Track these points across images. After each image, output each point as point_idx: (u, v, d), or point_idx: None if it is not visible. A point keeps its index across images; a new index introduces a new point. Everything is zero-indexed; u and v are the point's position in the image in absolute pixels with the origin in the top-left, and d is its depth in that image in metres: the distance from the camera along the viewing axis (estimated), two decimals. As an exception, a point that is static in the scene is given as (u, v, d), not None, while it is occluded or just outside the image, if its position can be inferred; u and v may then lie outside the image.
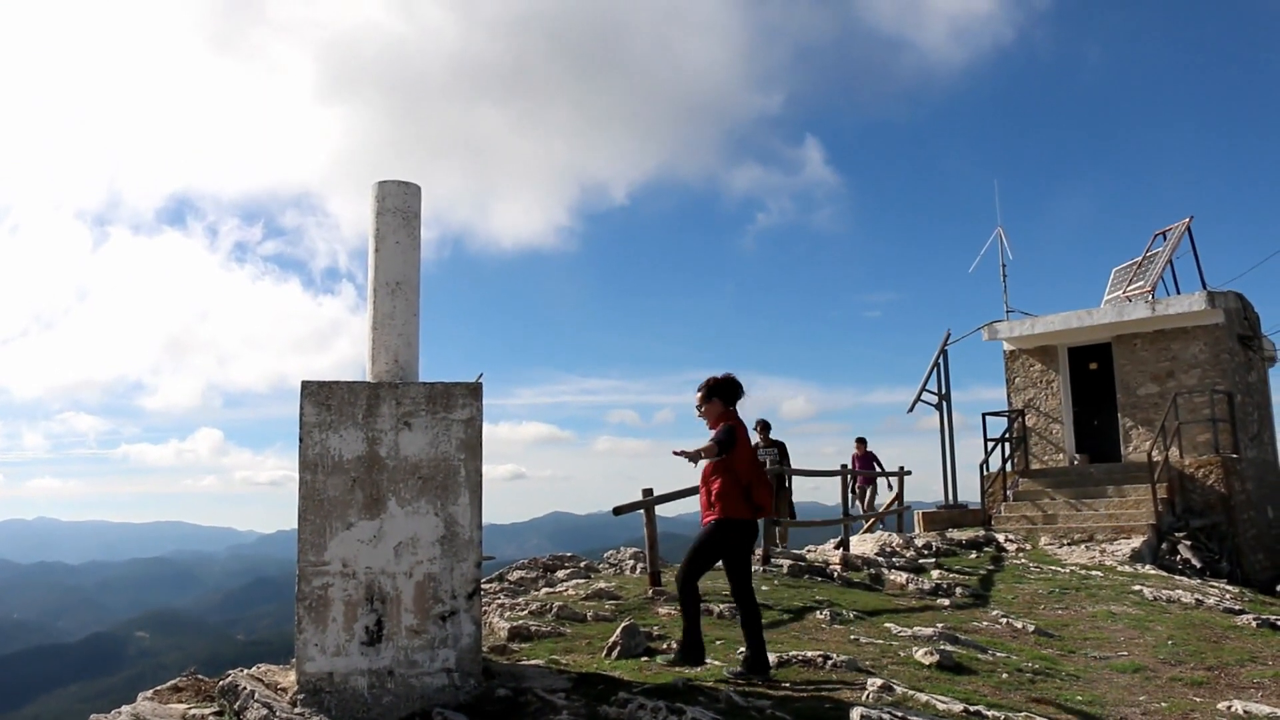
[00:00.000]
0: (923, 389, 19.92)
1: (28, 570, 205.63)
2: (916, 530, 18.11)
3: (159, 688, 6.05)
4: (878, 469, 18.42)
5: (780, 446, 14.92)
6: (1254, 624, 9.95)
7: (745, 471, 6.55)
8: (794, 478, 15.48)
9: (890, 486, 18.40)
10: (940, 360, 20.15)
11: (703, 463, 6.58)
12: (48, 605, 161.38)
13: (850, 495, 18.01)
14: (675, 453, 6.40)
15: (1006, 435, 19.57)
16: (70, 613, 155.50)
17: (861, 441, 18.51)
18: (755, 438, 14.81)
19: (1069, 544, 15.55)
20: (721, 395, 6.75)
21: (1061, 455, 19.66)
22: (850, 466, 17.72)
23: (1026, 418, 20.17)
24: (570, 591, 10.09)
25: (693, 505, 13.47)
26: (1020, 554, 14.92)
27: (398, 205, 6.28)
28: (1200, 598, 11.22)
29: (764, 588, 10.44)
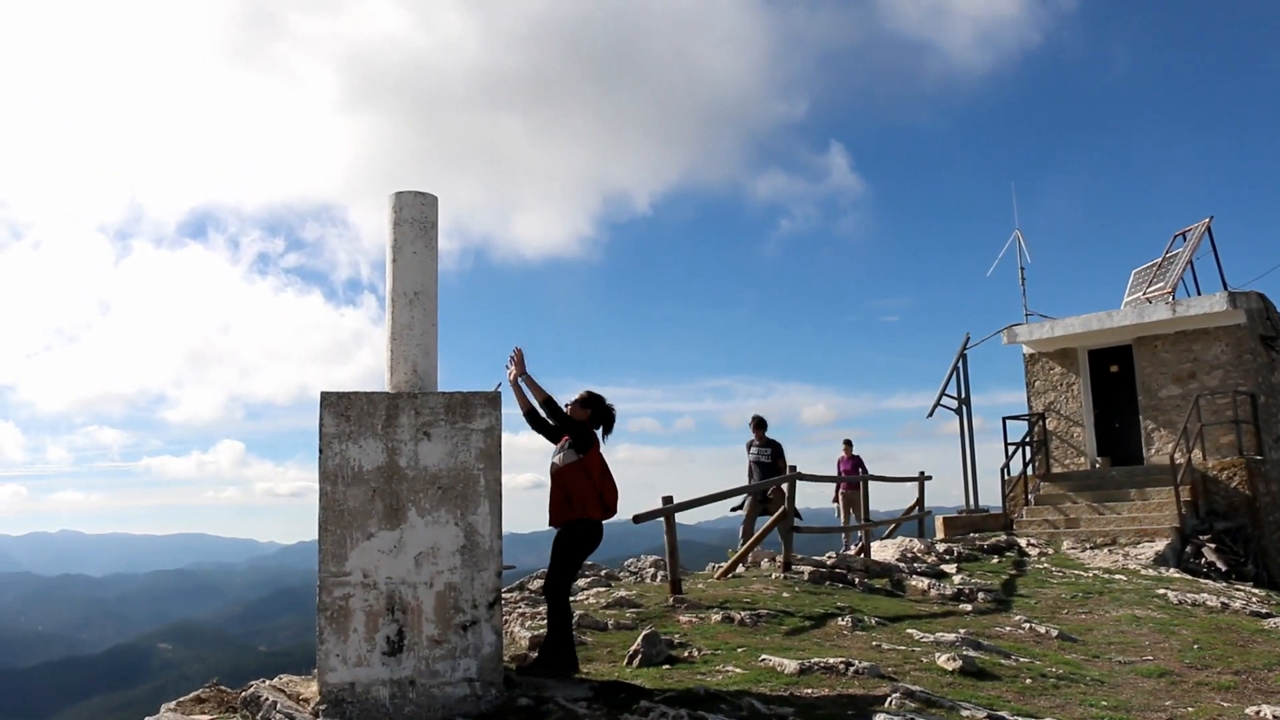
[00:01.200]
0: (942, 393, 19.85)
1: (51, 583, 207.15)
2: (938, 535, 18.01)
3: (182, 699, 6.07)
4: (862, 473, 17.20)
5: (775, 446, 14.14)
6: (1281, 627, 9.86)
7: (597, 476, 6.82)
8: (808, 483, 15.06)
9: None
10: (959, 364, 20.08)
11: (557, 460, 6.79)
12: (71, 617, 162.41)
13: (837, 506, 17.77)
14: (517, 350, 6.69)
15: (1027, 439, 19.47)
16: (93, 625, 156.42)
17: (848, 444, 17.95)
18: (750, 435, 14.20)
19: (1091, 548, 15.44)
20: (594, 410, 7.01)
21: (1083, 459, 19.54)
22: (838, 472, 17.42)
23: (1047, 421, 20.06)
24: (591, 600, 10.09)
25: (712, 513, 13.45)
26: (1042, 558, 14.82)
27: (415, 216, 6.31)
28: (1226, 601, 11.12)
29: (784, 594, 10.41)
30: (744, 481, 13.48)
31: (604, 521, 6.96)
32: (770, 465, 13.78)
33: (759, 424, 14.16)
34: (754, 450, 14.01)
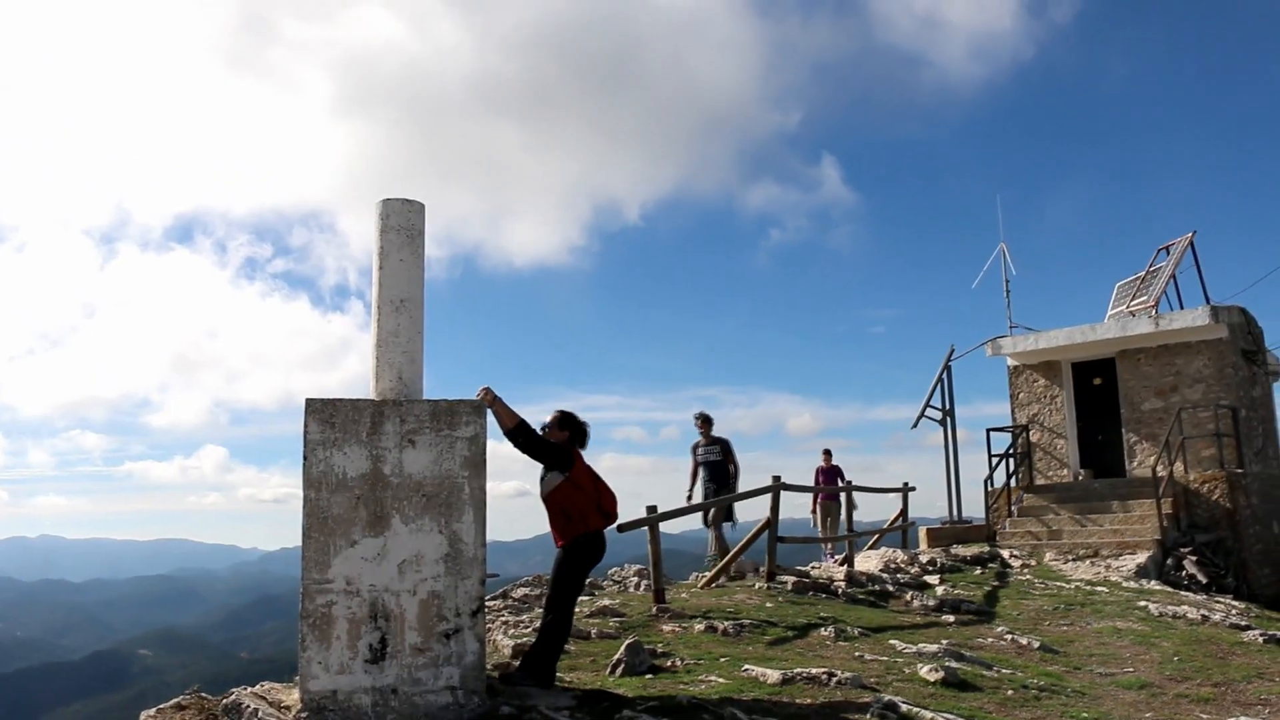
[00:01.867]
0: (926, 405, 19.94)
1: (31, 588, 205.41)
2: (921, 546, 18.06)
3: (162, 706, 6.04)
4: (841, 484, 16.68)
5: (723, 444, 13.55)
6: (1260, 640, 9.92)
7: (590, 486, 6.80)
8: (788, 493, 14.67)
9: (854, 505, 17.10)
10: (944, 376, 20.18)
11: (545, 486, 6.74)
12: (51, 623, 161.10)
13: (813, 516, 17.71)
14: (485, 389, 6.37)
15: (1010, 451, 19.56)
16: (73, 630, 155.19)
17: (828, 453, 17.75)
18: (697, 435, 13.74)
19: (1074, 559, 15.52)
20: (572, 430, 6.94)
21: (1065, 471, 19.64)
22: (816, 481, 17.22)
23: (1030, 433, 20.17)
24: (574, 609, 10.08)
25: (696, 522, 13.44)
26: (1025, 570, 14.88)
27: (402, 223, 6.32)
28: (1206, 613, 11.19)
29: (768, 605, 10.43)
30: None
31: (605, 530, 6.93)
32: (719, 464, 13.35)
33: (705, 421, 13.63)
34: (701, 450, 13.52)
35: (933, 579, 13.49)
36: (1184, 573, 14.81)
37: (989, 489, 18.95)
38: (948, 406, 20.20)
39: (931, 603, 11.28)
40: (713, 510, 13.09)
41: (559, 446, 6.78)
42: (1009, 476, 19.23)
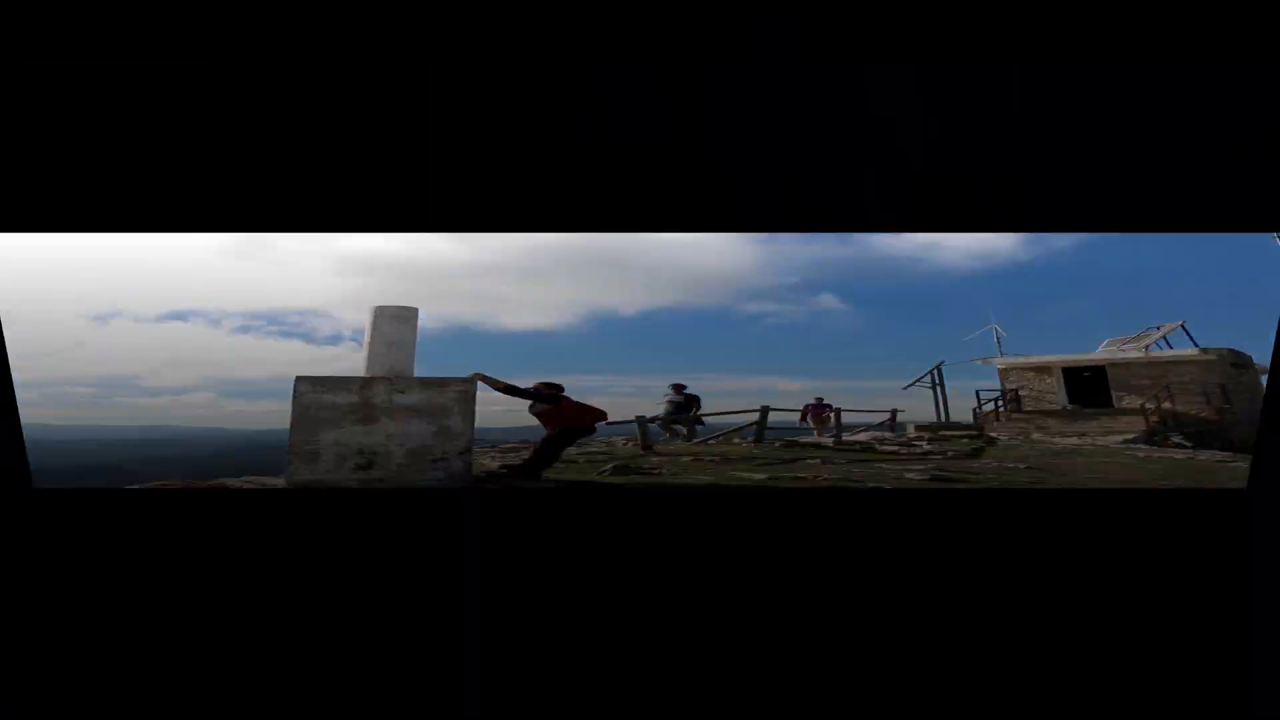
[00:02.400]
0: (916, 381, 20.64)
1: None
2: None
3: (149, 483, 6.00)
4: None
5: (691, 397, 14.21)
6: (1246, 467, 10.01)
7: (575, 410, 7.24)
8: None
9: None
10: (935, 373, 20.89)
11: (536, 409, 7.09)
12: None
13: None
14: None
15: (999, 394, 20.25)
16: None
17: (819, 399, 17.75)
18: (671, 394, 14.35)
19: (1063, 439, 15.73)
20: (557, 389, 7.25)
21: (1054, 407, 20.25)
22: (803, 414, 17.39)
23: (1020, 392, 20.76)
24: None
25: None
26: (1013, 441, 15.01)
27: (395, 314, 6.33)
28: (1192, 456, 11.32)
29: (756, 451, 10.46)
30: None
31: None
32: (682, 404, 13.94)
33: (679, 389, 14.28)
34: (669, 397, 14.13)
35: (921, 445, 13.55)
36: (1171, 443, 14.97)
37: (979, 403, 19.40)
38: (938, 381, 20.89)
39: (919, 452, 11.34)
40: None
41: (550, 395, 7.09)
42: (997, 403, 19.80)
